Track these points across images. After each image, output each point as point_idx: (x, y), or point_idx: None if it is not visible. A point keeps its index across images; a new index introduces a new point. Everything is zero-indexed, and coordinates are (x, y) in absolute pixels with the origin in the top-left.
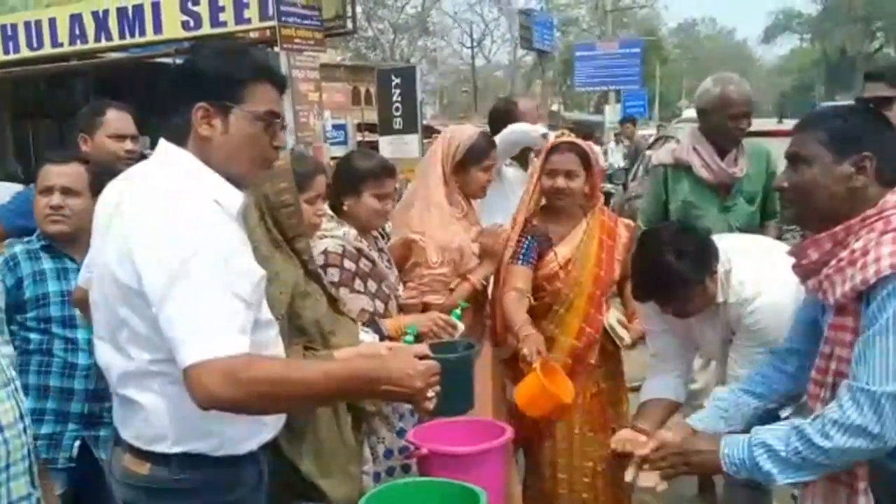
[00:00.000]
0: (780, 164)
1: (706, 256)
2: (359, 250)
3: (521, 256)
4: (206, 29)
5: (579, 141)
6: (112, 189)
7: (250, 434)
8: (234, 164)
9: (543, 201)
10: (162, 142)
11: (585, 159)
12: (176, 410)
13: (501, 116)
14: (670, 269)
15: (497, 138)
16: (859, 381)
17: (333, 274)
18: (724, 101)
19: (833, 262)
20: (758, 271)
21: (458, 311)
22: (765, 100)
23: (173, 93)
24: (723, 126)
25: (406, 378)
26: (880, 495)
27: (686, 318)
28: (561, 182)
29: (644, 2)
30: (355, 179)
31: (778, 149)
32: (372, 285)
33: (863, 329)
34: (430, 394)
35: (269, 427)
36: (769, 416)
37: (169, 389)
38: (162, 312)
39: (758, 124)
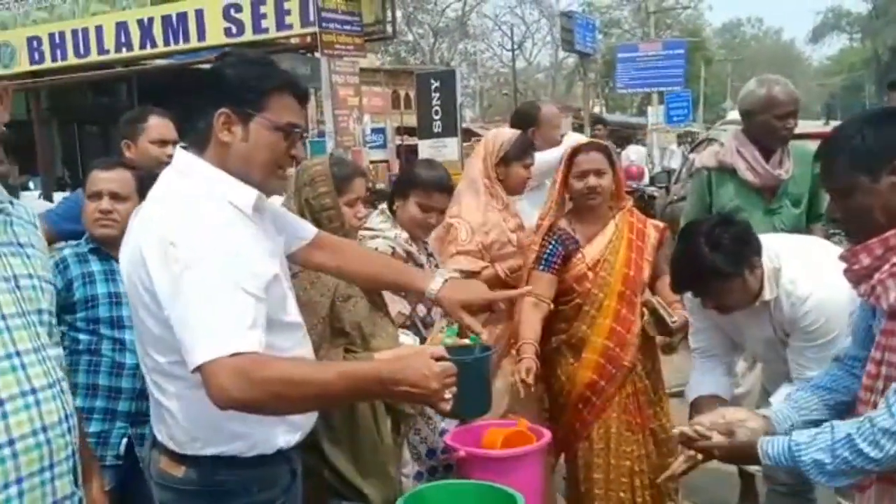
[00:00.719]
0: None
1: (744, 250)
2: (408, 253)
3: (543, 261)
4: (249, 35)
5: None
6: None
7: (280, 433)
8: (250, 171)
9: (570, 205)
10: (178, 150)
11: (609, 157)
12: (199, 414)
13: (523, 120)
14: (704, 261)
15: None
16: None
17: None
18: (770, 102)
19: (886, 267)
20: (808, 269)
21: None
22: (812, 101)
23: (198, 97)
24: (770, 126)
25: (422, 379)
26: None
27: (726, 313)
28: (593, 181)
29: (687, 2)
30: (407, 184)
31: None
32: None
33: None
34: (447, 395)
35: (298, 426)
36: (844, 407)
37: (189, 394)
38: (173, 313)
39: (804, 126)
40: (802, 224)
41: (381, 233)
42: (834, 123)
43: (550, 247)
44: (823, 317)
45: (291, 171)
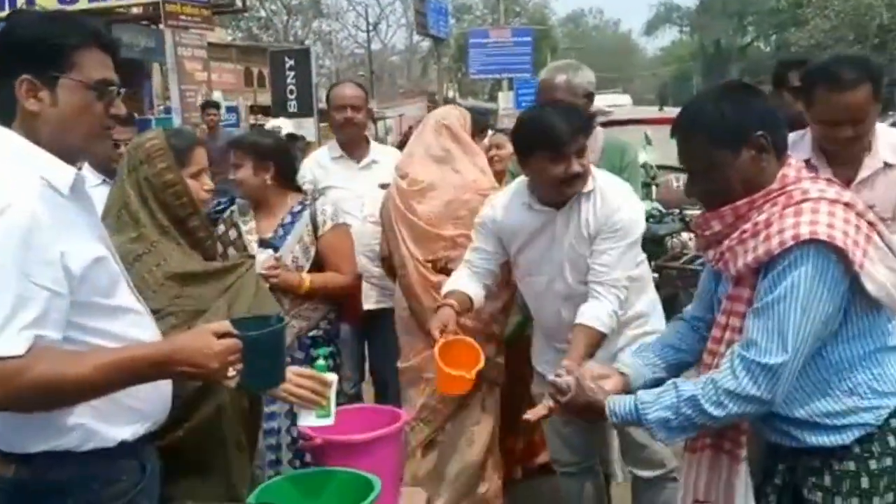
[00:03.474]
0: (660, 151)
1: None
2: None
3: None
4: (84, 4)
5: None
6: None
7: (122, 424)
8: (66, 138)
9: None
10: None
11: None
12: None
13: None
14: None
15: None
16: (753, 350)
17: None
18: None
19: (735, 234)
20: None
21: (321, 362)
22: (647, 89)
23: None
24: None
25: (202, 358)
26: (752, 461)
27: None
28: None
29: None
30: None
31: (660, 135)
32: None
33: (756, 298)
34: (231, 372)
35: (146, 415)
36: (686, 367)
37: None
38: None
39: (641, 112)
40: None
41: None
42: (668, 109)
43: None
44: (632, 215)
45: (122, 149)
